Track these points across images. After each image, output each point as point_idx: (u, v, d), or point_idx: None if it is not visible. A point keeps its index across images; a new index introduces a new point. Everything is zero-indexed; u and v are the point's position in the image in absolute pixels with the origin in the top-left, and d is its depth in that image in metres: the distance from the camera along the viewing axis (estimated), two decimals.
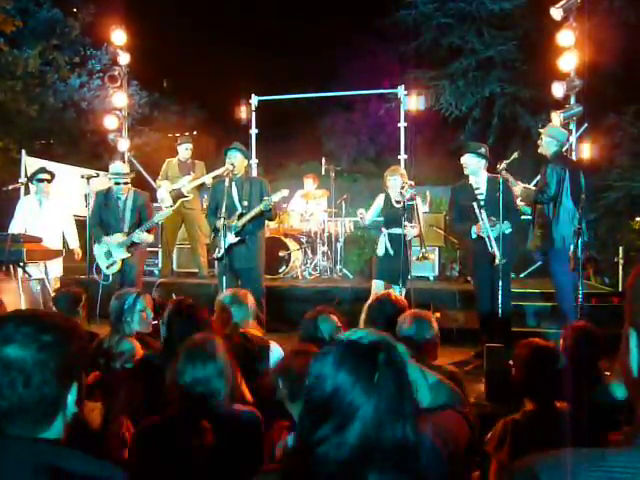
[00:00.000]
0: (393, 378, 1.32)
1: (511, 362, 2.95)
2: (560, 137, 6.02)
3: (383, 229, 6.19)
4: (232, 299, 3.76)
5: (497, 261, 5.39)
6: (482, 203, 5.53)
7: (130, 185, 6.52)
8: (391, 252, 6.03)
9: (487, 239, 5.46)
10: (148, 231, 6.24)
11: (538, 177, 6.14)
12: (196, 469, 2.11)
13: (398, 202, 6.07)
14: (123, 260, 6.23)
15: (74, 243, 7.21)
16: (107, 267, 6.21)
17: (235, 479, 2.08)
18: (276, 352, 3.52)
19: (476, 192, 5.58)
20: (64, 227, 7.15)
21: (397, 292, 5.87)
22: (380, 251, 6.17)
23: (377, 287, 6.04)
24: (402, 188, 5.99)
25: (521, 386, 2.81)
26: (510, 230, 5.59)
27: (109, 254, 6.21)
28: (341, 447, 1.27)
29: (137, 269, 6.38)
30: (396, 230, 6.00)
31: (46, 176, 7.01)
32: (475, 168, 5.73)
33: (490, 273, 5.43)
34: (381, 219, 6.33)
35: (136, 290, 4.07)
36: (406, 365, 1.39)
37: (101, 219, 6.33)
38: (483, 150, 5.80)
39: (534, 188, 6.11)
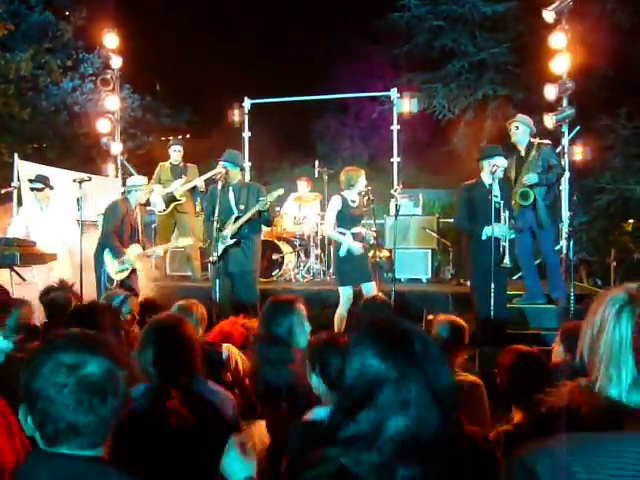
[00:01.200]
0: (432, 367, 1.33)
1: (495, 370, 2.93)
2: (531, 125, 6.44)
3: (343, 230, 5.94)
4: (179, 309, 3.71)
5: (505, 264, 5.37)
6: (496, 206, 5.46)
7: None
8: (357, 251, 5.91)
9: (502, 241, 5.39)
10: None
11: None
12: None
13: (353, 201, 6.01)
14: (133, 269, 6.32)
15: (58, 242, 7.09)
16: (116, 273, 6.17)
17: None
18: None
19: (493, 193, 5.46)
20: (66, 230, 7.05)
21: (369, 290, 5.85)
22: (343, 252, 5.93)
23: (347, 294, 5.94)
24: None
25: (507, 394, 2.78)
26: (514, 236, 5.62)
27: (122, 261, 6.17)
28: (377, 441, 1.26)
29: (137, 275, 6.47)
30: (356, 229, 5.97)
31: (37, 185, 6.98)
32: (501, 169, 5.67)
33: (489, 275, 5.40)
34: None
35: (124, 293, 4.05)
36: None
37: (120, 232, 6.29)
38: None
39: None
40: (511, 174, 6.33)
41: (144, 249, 6.37)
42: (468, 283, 8.02)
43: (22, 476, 1.38)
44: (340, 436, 1.29)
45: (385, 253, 6.28)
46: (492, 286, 5.34)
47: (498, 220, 5.38)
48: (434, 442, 1.25)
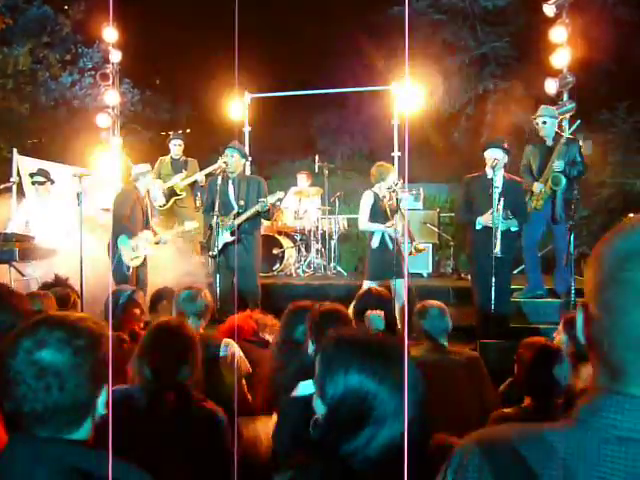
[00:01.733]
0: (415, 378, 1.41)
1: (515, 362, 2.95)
2: (557, 115, 6.68)
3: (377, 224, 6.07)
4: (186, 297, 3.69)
5: (495, 253, 5.37)
6: (496, 198, 5.47)
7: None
8: (390, 246, 5.99)
9: (494, 230, 5.39)
10: None
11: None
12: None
13: (384, 196, 6.05)
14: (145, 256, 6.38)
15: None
16: (131, 259, 6.24)
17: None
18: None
19: (494, 185, 5.48)
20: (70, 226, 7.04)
21: (400, 286, 5.90)
22: (375, 243, 6.04)
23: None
24: (395, 185, 5.97)
25: (524, 385, 2.79)
26: (516, 229, 5.60)
27: (136, 247, 6.25)
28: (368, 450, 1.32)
29: (147, 265, 6.53)
30: (388, 224, 5.98)
31: (39, 179, 7.02)
32: (501, 162, 5.67)
33: (489, 267, 5.40)
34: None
35: (130, 287, 4.05)
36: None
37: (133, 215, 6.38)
38: (506, 145, 5.79)
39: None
40: (534, 164, 6.45)
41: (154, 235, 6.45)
42: (469, 277, 8.05)
43: (3, 460, 1.38)
44: (341, 453, 1.35)
45: (421, 247, 6.29)
46: (493, 280, 5.35)
47: (497, 211, 5.40)
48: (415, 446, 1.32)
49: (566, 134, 8.32)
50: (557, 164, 6.19)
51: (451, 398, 3.01)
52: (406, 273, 6.07)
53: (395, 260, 5.83)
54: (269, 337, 3.79)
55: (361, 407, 1.35)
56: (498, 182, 5.54)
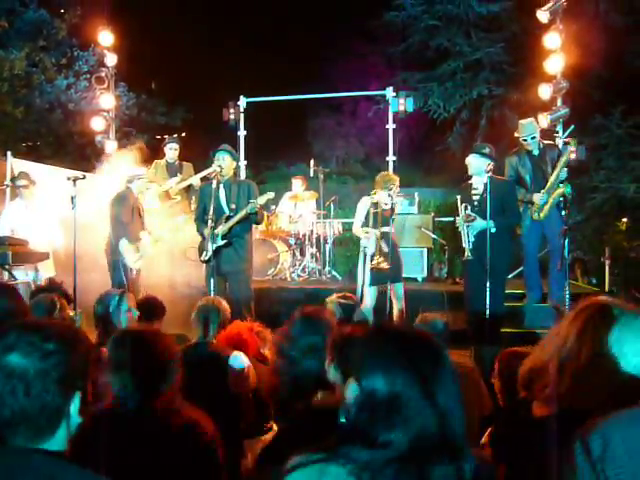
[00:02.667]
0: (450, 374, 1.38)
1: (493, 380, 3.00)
2: (537, 126, 6.55)
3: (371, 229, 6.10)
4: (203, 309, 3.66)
5: (465, 256, 5.46)
6: (475, 202, 5.52)
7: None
8: (386, 250, 6.00)
9: (464, 234, 5.50)
10: None
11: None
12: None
13: (385, 204, 6.08)
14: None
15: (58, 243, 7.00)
16: (135, 261, 6.26)
17: None
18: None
19: (473, 192, 5.54)
20: (52, 229, 7.00)
21: (400, 290, 6.02)
22: (370, 250, 6.07)
23: (371, 296, 6.03)
24: (390, 190, 6.00)
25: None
26: (494, 229, 5.55)
27: (137, 249, 6.28)
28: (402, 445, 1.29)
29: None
30: (385, 229, 6.00)
31: (22, 182, 6.90)
32: (479, 169, 5.69)
33: (481, 272, 5.42)
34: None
35: (118, 291, 4.00)
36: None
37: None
38: (487, 150, 5.78)
39: None
40: (526, 175, 6.45)
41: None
42: (463, 281, 8.07)
43: None
44: (379, 442, 1.32)
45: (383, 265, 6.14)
46: (488, 284, 5.37)
47: (482, 216, 5.46)
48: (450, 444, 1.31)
49: (560, 139, 8.41)
50: (563, 173, 6.28)
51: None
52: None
53: (393, 265, 5.88)
54: (268, 353, 3.68)
55: (395, 405, 1.33)
56: (480, 188, 5.60)
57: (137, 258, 6.29)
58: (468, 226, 5.49)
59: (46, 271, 6.81)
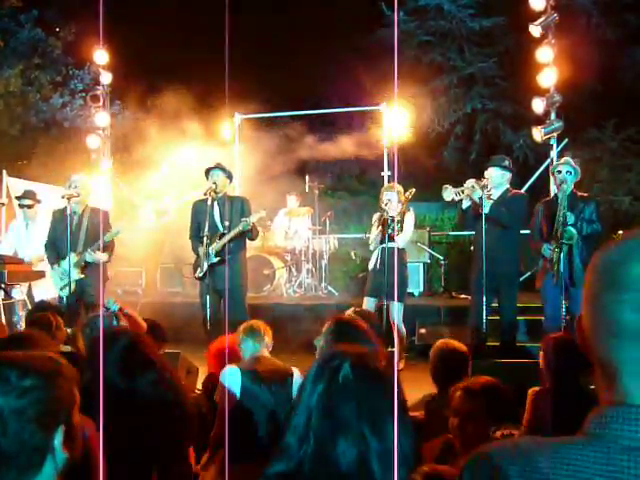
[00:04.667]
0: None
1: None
2: (578, 172, 5.70)
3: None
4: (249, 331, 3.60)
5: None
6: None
7: (88, 201, 6.30)
8: (377, 266, 6.04)
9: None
10: (104, 250, 5.96)
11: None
12: None
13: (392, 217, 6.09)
14: (77, 281, 5.95)
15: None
16: (61, 288, 5.96)
17: None
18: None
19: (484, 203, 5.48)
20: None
21: (394, 310, 5.90)
22: (371, 265, 6.23)
23: (367, 304, 6.08)
24: (385, 205, 6.00)
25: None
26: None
27: (64, 275, 5.91)
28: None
29: (95, 289, 5.96)
30: (389, 244, 6.01)
31: (27, 202, 6.85)
32: (499, 181, 5.67)
33: (481, 284, 5.40)
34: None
35: (95, 313, 3.94)
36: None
37: (55, 238, 6.10)
38: (507, 163, 5.79)
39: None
40: (546, 224, 5.67)
41: None
42: (461, 296, 8.07)
43: None
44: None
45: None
46: (483, 299, 5.37)
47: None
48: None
49: (554, 153, 8.45)
50: (568, 216, 5.35)
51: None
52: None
53: (390, 280, 5.88)
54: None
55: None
56: (495, 197, 5.60)
57: (63, 285, 5.91)
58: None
59: (42, 290, 6.70)
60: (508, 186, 5.75)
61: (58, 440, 1.39)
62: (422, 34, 14.25)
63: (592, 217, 5.48)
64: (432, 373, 3.45)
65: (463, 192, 5.56)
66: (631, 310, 0.85)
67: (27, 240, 6.83)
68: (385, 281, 5.88)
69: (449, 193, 5.62)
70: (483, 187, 5.45)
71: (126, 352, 2.33)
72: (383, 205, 6.09)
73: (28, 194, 7.02)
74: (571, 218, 5.35)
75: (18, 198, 7.06)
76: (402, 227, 6.07)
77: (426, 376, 3.54)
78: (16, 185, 8.35)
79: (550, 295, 5.49)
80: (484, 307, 5.38)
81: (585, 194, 5.71)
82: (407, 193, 6.17)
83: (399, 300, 6.01)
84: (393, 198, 6.13)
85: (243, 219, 5.75)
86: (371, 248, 6.32)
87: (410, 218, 6.22)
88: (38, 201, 6.98)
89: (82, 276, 5.96)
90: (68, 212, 5.95)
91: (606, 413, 0.88)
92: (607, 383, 0.90)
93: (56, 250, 6.06)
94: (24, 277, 6.43)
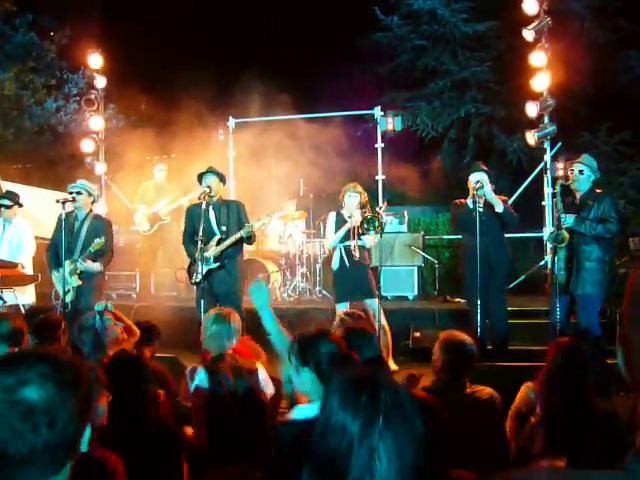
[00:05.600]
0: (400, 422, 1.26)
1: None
2: (596, 169, 5.63)
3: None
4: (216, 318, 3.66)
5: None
6: (484, 218, 5.55)
7: (92, 207, 6.33)
8: (347, 264, 6.01)
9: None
10: (94, 259, 5.94)
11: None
12: None
13: (350, 217, 6.09)
14: (75, 288, 5.96)
15: (20, 259, 6.68)
16: (64, 294, 5.93)
17: None
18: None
19: (477, 210, 5.53)
20: (24, 246, 6.75)
21: (374, 306, 5.88)
22: (335, 265, 6.14)
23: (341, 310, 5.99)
24: (379, 208, 6.01)
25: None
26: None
27: (64, 281, 5.91)
28: None
29: (91, 297, 5.95)
30: (349, 243, 6.01)
31: (6, 202, 6.72)
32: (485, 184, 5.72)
33: (475, 288, 5.44)
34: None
35: (91, 313, 3.96)
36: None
37: (57, 243, 6.06)
38: (486, 167, 5.90)
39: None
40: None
41: None
42: (456, 299, 8.09)
43: None
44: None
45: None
46: (478, 302, 5.39)
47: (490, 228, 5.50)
48: None
49: (547, 157, 8.48)
50: (564, 218, 5.34)
51: (469, 435, 2.84)
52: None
53: (360, 279, 5.86)
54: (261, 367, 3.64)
55: (336, 447, 1.26)
56: (481, 203, 5.63)
57: (65, 290, 5.87)
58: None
59: (26, 296, 6.60)
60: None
61: (86, 436, 1.39)
62: (416, 38, 14.28)
63: (601, 215, 5.32)
64: (439, 365, 3.31)
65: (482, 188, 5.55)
66: None
67: (1, 243, 6.68)
68: (358, 280, 5.89)
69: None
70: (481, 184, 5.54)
71: None
72: (355, 206, 6.10)
73: (9, 195, 6.91)
74: (570, 220, 5.32)
75: None
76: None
77: (423, 379, 3.54)
78: (10, 188, 8.33)
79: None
80: (479, 311, 5.41)
81: (600, 190, 5.57)
82: (379, 207, 6.17)
83: (375, 296, 5.96)
84: (354, 199, 6.11)
85: (247, 225, 5.76)
86: (329, 247, 6.27)
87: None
88: (19, 204, 6.84)
89: (80, 282, 5.97)
90: (63, 217, 5.97)
91: None
92: None
93: (57, 255, 6.05)
94: (18, 281, 6.41)
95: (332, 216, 6.28)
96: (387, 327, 6.01)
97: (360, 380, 1.34)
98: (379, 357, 3.15)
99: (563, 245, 5.33)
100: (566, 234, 5.33)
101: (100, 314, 3.79)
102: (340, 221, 6.17)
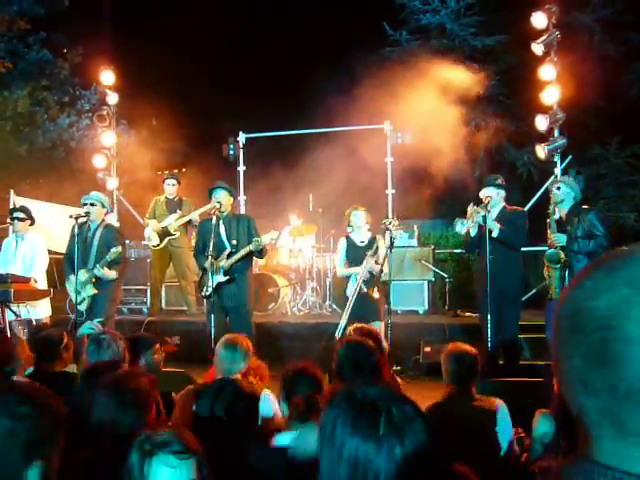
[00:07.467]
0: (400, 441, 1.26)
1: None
2: (574, 187, 5.64)
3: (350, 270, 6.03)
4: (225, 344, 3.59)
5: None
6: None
7: (104, 218, 6.45)
8: (365, 290, 5.91)
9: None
10: (109, 267, 6.03)
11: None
12: None
13: (362, 242, 6.06)
14: (90, 297, 6.06)
15: (33, 273, 6.71)
16: (79, 304, 6.03)
17: None
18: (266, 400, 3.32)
19: (487, 226, 5.48)
20: (36, 260, 6.80)
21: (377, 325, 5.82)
22: (349, 291, 5.96)
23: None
24: (389, 223, 5.95)
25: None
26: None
27: (78, 291, 6.01)
28: None
29: (105, 306, 6.10)
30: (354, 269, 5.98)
31: (18, 214, 6.81)
32: (495, 199, 5.70)
33: (486, 303, 5.41)
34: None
35: (91, 323, 3.99)
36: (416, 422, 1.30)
37: (72, 253, 6.13)
38: (500, 181, 5.83)
39: None
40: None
41: None
42: (466, 314, 8.05)
43: None
44: None
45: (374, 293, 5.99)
46: (488, 317, 5.36)
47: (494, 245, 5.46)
48: None
49: (558, 170, 8.45)
50: (556, 238, 5.37)
51: (475, 447, 2.80)
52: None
53: (369, 307, 5.82)
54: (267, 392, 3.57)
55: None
56: (493, 215, 5.62)
57: (80, 300, 5.97)
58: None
59: (39, 309, 6.63)
60: (504, 204, 5.78)
61: (33, 475, 1.38)
62: (425, 53, 14.33)
63: (588, 232, 5.28)
64: (445, 375, 3.36)
65: (471, 219, 5.57)
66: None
67: (14, 258, 6.74)
68: (367, 305, 5.82)
69: (460, 225, 5.63)
70: (485, 207, 5.48)
71: None
72: (362, 223, 6.08)
73: (23, 209, 6.99)
74: (562, 238, 5.32)
75: (13, 211, 7.02)
76: (376, 252, 5.88)
77: (434, 393, 3.51)
78: (23, 204, 8.40)
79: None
80: (489, 326, 5.37)
81: (585, 207, 5.57)
82: (386, 221, 6.01)
83: (382, 320, 5.89)
84: (360, 217, 6.08)
85: (256, 239, 5.77)
86: (342, 274, 6.13)
87: (382, 245, 5.96)
88: (31, 218, 6.91)
89: (95, 291, 6.05)
90: (76, 231, 6.08)
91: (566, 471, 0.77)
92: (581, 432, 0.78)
93: (72, 265, 6.13)
94: (30, 296, 6.44)
95: (342, 242, 6.18)
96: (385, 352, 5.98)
97: (362, 404, 1.32)
98: (378, 370, 3.18)
99: (558, 266, 5.31)
100: (562, 254, 5.30)
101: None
102: (350, 246, 6.11)
